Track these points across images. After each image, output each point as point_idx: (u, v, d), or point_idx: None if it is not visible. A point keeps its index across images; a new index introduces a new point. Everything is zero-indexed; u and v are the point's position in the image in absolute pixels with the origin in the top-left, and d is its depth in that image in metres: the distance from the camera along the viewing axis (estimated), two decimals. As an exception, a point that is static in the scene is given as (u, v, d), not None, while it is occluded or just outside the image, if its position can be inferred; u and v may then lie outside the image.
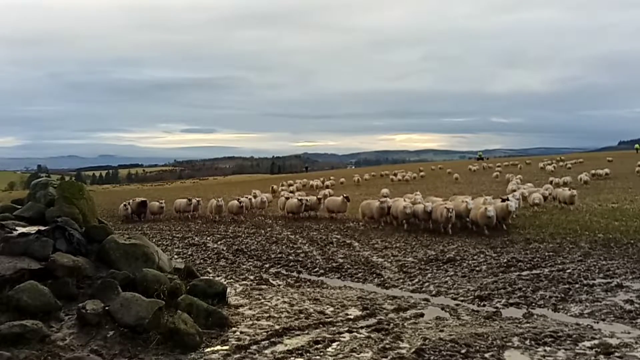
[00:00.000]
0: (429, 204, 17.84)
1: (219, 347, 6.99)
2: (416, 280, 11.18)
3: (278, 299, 9.50)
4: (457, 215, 16.98)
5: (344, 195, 22.85)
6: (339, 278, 11.87)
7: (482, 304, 9.28)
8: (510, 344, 7.02)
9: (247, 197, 25.91)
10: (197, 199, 26.72)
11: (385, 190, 30.66)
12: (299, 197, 23.39)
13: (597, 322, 8.05)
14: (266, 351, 6.82)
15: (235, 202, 24.14)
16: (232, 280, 11.53)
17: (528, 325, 7.84)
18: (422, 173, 53.60)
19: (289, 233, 18.44)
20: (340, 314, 8.49)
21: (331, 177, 51.85)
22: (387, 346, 6.99)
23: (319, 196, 24.78)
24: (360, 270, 12.29)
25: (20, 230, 8.53)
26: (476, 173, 53.61)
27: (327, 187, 39.64)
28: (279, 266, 13.31)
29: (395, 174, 53.94)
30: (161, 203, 25.96)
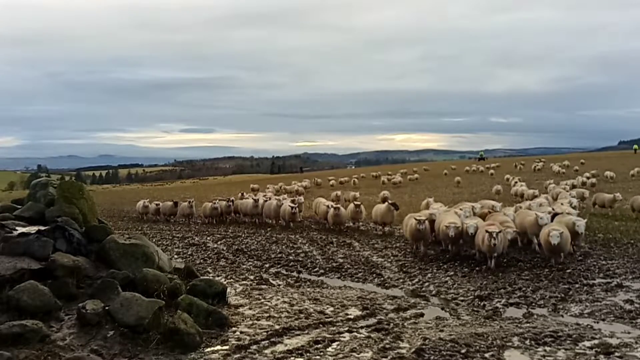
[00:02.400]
0: (473, 222, 12.60)
1: (219, 347, 7.00)
2: (416, 280, 11.18)
3: (278, 299, 9.50)
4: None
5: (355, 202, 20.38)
6: (339, 278, 11.87)
7: (482, 304, 9.28)
8: (510, 344, 7.03)
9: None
10: (263, 199, 22.62)
11: (385, 193, 28.38)
12: (334, 205, 19.12)
13: (597, 322, 8.06)
14: (266, 351, 6.82)
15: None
16: (232, 280, 11.53)
17: (528, 325, 7.85)
18: (416, 175, 48.60)
19: (289, 233, 18.43)
20: (340, 314, 8.49)
21: (305, 180, 45.44)
22: (387, 346, 6.99)
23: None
24: (360, 270, 12.29)
25: (20, 230, 8.53)
26: (474, 173, 52.20)
27: (299, 193, 33.24)
28: (279, 266, 13.31)
29: (380, 175, 48.62)
30: (229, 202, 23.30)
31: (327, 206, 19.31)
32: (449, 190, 32.21)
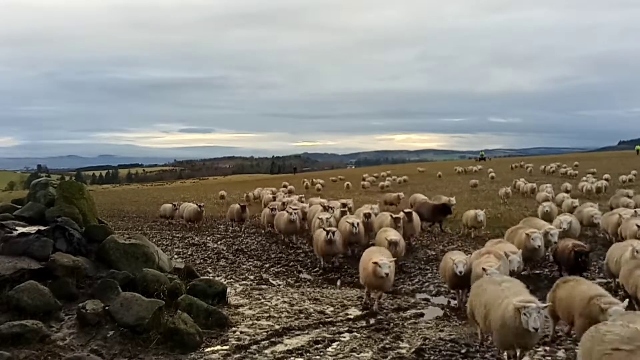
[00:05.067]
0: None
1: (219, 347, 7.00)
2: (416, 280, 11.18)
3: (278, 299, 9.51)
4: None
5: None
6: (339, 278, 11.86)
7: (482, 304, 9.28)
8: (510, 344, 7.04)
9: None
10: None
11: (415, 197, 21.15)
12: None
13: (597, 322, 8.05)
14: (266, 351, 6.83)
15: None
16: (232, 280, 11.53)
17: (528, 325, 7.84)
18: (404, 177, 42.85)
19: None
20: (340, 314, 8.50)
21: (287, 185, 37.07)
22: (387, 346, 7.01)
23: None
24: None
25: (20, 230, 8.54)
26: (474, 174, 50.50)
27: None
28: (279, 266, 13.30)
29: (366, 177, 43.07)
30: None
31: (353, 225, 12.50)
32: (448, 191, 32.14)
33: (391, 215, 12.55)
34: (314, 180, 42.59)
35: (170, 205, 23.04)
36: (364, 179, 41.79)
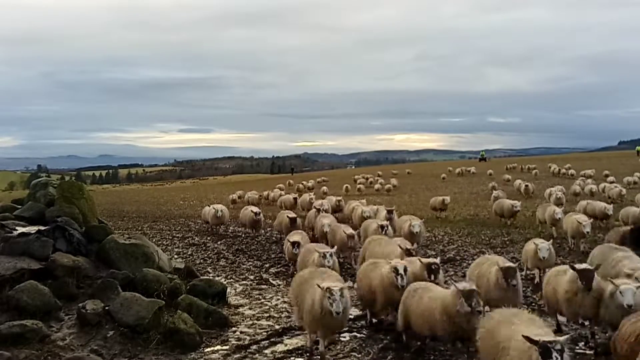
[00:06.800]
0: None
1: (219, 347, 7.01)
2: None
3: (278, 299, 9.51)
4: None
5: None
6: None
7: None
8: (510, 344, 7.03)
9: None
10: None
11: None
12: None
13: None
14: (266, 351, 6.83)
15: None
16: (232, 280, 11.52)
17: (528, 325, 7.83)
18: (394, 181, 39.14)
19: (289, 233, 18.35)
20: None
21: (278, 186, 34.67)
22: (387, 346, 7.00)
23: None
24: (360, 270, 12.26)
25: (20, 230, 8.54)
26: (474, 175, 50.08)
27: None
28: (279, 266, 13.28)
29: (357, 179, 41.52)
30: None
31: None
32: (448, 190, 32.18)
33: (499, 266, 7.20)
34: (303, 182, 42.21)
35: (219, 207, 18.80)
36: (355, 181, 40.50)
